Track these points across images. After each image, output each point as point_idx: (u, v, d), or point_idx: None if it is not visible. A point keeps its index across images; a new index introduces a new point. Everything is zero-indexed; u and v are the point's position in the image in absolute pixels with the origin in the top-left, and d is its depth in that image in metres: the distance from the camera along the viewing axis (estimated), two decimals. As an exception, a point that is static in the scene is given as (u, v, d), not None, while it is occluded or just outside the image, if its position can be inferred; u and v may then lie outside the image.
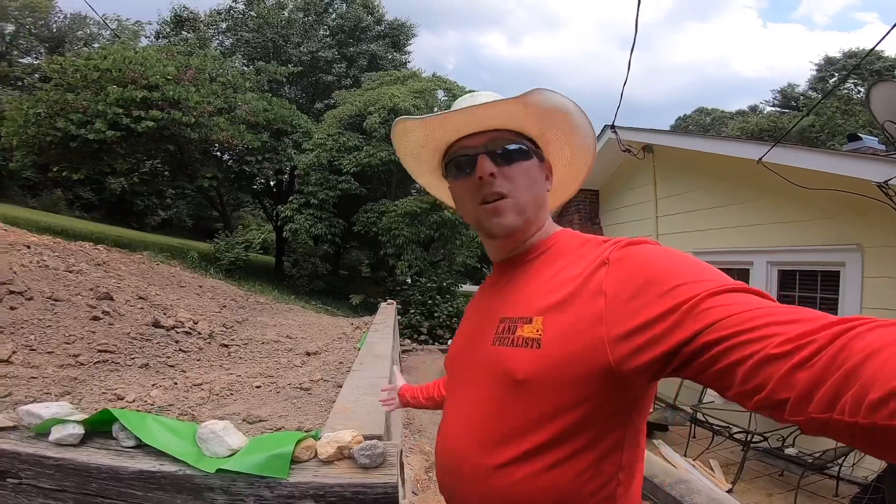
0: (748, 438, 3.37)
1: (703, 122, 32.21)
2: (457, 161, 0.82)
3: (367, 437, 1.51)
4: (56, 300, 3.59)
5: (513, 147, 0.79)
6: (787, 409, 0.43)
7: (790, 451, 3.50)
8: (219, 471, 1.24)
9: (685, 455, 3.69)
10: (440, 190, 0.98)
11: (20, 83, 21.86)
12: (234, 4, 18.58)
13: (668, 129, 32.78)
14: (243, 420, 1.92)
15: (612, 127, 6.37)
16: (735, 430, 3.55)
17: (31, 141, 9.62)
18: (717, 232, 4.96)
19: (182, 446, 1.36)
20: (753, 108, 31.77)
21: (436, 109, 12.81)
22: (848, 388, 0.38)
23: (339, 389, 2.49)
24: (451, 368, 0.90)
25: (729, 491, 3.16)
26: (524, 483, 0.68)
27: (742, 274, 4.52)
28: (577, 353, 0.64)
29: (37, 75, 19.13)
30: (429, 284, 11.10)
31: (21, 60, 24.58)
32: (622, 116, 5.13)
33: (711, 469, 3.50)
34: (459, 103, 0.81)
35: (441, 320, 10.77)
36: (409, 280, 11.21)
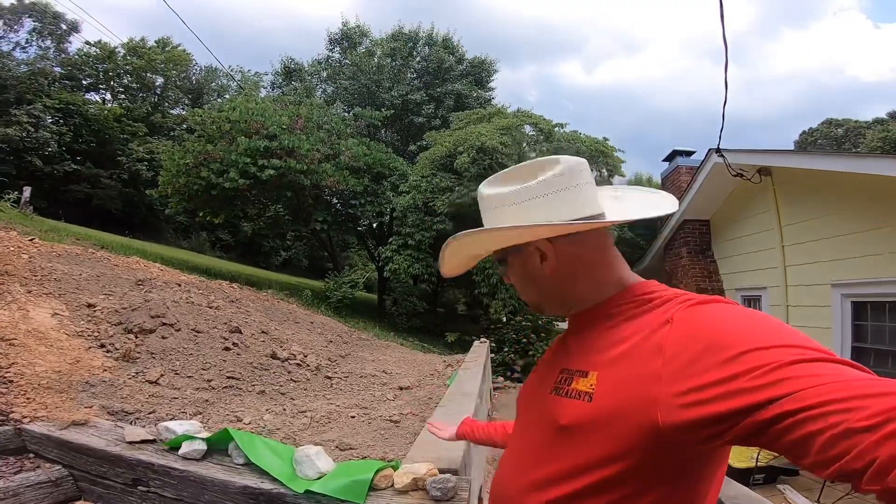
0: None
1: (834, 135, 28.01)
2: None
3: (442, 471, 1.56)
4: (198, 332, 4.24)
5: (498, 258, 0.88)
6: (865, 479, 0.43)
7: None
8: (306, 492, 1.39)
9: (817, 501, 3.19)
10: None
11: (172, 133, 26.21)
12: (331, 54, 20.82)
13: (792, 145, 28.86)
14: (336, 447, 2.09)
15: (718, 150, 5.89)
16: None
17: (182, 189, 11.56)
18: (863, 261, 4.27)
19: (280, 466, 1.54)
20: (894, 115, 27.30)
21: (524, 145, 12.88)
22: None
23: (424, 424, 2.58)
24: (518, 408, 0.94)
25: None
26: None
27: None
28: (627, 407, 0.63)
29: (184, 125, 22.88)
30: (524, 323, 10.94)
31: (171, 112, 29.19)
32: (728, 137, 4.72)
33: (844, 520, 2.96)
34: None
35: (536, 359, 10.50)
36: (503, 318, 11.15)
